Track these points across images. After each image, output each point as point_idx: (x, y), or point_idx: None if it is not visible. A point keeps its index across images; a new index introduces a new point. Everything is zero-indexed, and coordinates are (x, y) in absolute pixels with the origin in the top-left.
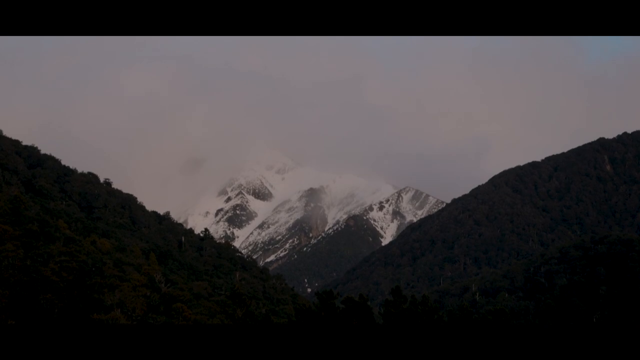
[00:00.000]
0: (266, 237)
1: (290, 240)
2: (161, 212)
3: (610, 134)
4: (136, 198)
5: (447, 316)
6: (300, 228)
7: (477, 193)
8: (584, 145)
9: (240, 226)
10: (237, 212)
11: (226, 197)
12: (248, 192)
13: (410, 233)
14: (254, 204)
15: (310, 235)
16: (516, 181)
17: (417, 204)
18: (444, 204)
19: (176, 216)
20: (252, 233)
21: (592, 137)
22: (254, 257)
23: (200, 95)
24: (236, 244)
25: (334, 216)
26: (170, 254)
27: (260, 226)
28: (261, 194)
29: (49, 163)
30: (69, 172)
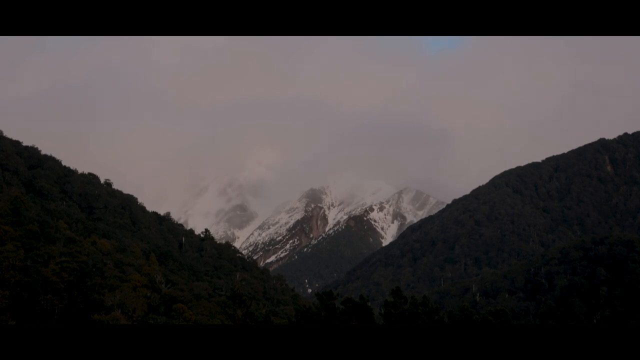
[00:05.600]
0: (266, 238)
1: (291, 241)
2: (161, 212)
3: (611, 134)
4: (137, 199)
5: (447, 317)
6: (300, 229)
7: (478, 193)
8: (585, 146)
9: (240, 227)
10: (238, 212)
11: (226, 197)
12: (248, 193)
13: (410, 233)
14: (255, 205)
15: (311, 235)
16: (517, 182)
17: (417, 205)
18: (445, 205)
19: (176, 217)
20: (252, 234)
21: (592, 138)
22: (255, 257)
23: (200, 95)
24: (236, 244)
25: (335, 217)
26: (170, 255)
27: (261, 227)
28: (262, 195)
29: (50, 164)
30: (69, 172)
